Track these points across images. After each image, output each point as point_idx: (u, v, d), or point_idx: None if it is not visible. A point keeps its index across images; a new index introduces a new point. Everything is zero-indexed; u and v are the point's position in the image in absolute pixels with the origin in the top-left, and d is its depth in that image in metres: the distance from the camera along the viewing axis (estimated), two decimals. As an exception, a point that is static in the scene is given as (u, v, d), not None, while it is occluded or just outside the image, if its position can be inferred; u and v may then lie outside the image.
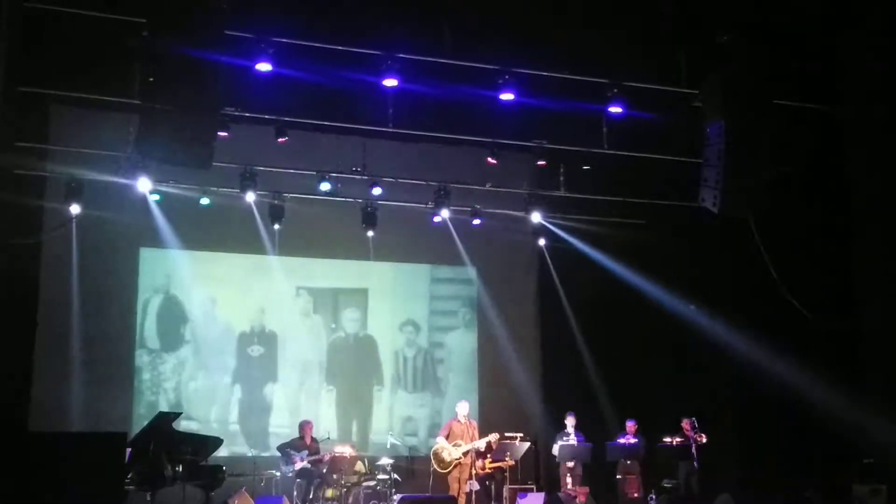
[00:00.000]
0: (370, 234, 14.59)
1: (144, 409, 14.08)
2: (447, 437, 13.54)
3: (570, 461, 14.03)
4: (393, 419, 15.48)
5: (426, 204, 14.44)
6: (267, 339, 15.20)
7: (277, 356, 15.20)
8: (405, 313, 16.04)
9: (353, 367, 15.61)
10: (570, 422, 14.31)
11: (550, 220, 15.24)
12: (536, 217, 14.79)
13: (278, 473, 13.24)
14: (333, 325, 15.60)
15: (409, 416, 15.69)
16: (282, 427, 14.65)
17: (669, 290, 15.25)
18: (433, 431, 14.94)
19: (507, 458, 13.71)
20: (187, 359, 14.70)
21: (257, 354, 15.10)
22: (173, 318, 14.72)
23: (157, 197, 13.56)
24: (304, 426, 13.62)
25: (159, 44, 9.07)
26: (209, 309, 14.96)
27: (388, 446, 14.23)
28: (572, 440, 14.13)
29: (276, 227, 14.23)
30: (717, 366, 15.18)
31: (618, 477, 14.27)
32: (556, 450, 14.19)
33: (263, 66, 10.57)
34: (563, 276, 15.99)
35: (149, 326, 14.59)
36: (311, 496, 13.01)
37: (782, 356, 13.73)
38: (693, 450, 13.74)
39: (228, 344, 15.01)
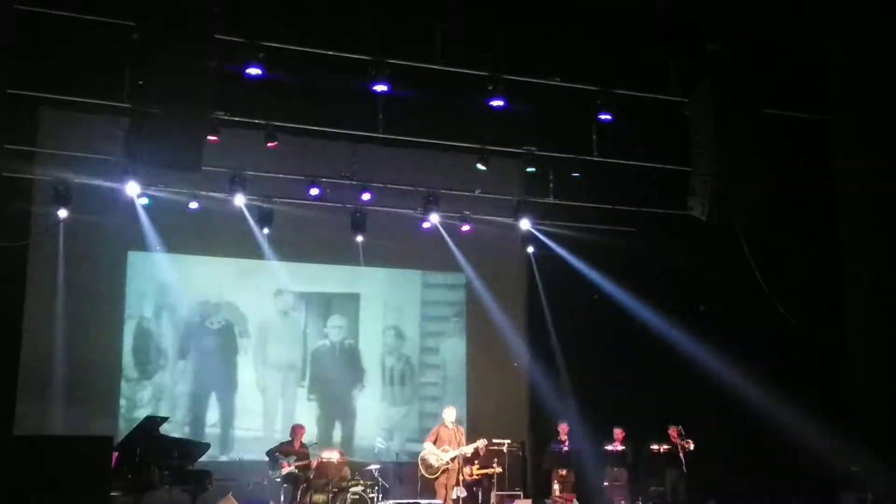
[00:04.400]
0: (359, 239, 14.57)
1: (131, 411, 14.02)
2: (435, 443, 13.53)
3: (563, 469, 14.04)
4: (379, 424, 15.45)
5: (415, 210, 14.44)
6: (255, 344, 15.17)
7: (265, 361, 15.18)
8: (395, 319, 16.03)
9: (341, 371, 15.58)
10: (563, 429, 14.32)
11: (540, 226, 15.24)
12: (526, 224, 14.76)
13: (266, 479, 13.20)
14: (324, 330, 15.58)
15: (396, 420, 15.66)
16: (273, 432, 14.65)
17: (657, 297, 15.29)
18: (420, 437, 14.91)
19: (494, 465, 13.73)
20: (174, 363, 14.66)
21: (245, 359, 15.09)
22: (160, 322, 14.67)
23: (145, 201, 13.53)
24: (295, 430, 13.57)
25: (149, 47, 9.06)
26: (197, 313, 14.91)
27: (376, 451, 14.21)
28: (567, 448, 14.14)
29: (265, 231, 14.21)
30: (704, 373, 15.21)
31: (605, 484, 14.28)
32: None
33: (253, 71, 10.57)
34: (552, 282, 16.00)
35: (136, 330, 14.53)
36: (297, 501, 12.97)
37: (769, 364, 13.77)
38: (680, 457, 13.77)
39: (217, 347, 14.97)
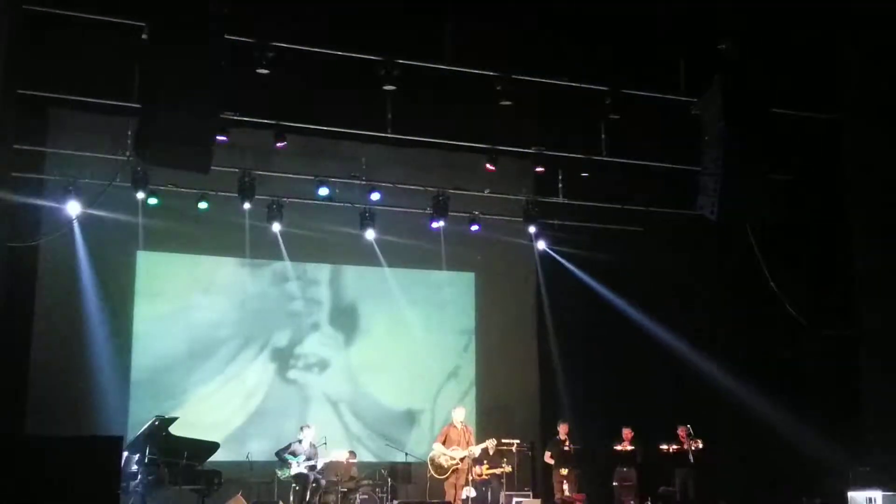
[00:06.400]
0: (368, 238, 14.58)
1: (140, 411, 14.03)
2: (444, 443, 13.53)
3: (565, 468, 14.01)
4: (389, 424, 15.44)
5: (425, 209, 14.43)
6: (264, 343, 15.19)
7: (276, 361, 15.20)
8: (404, 318, 16.02)
9: (351, 371, 15.58)
10: (562, 429, 14.28)
11: (548, 226, 15.23)
12: (534, 224, 14.77)
13: (275, 479, 13.21)
14: (332, 329, 15.58)
15: (405, 420, 15.66)
16: (282, 431, 14.65)
17: (667, 296, 15.27)
18: (431, 437, 14.90)
19: (503, 465, 13.72)
20: (183, 362, 14.68)
21: (255, 359, 15.10)
22: (170, 320, 14.69)
23: (154, 200, 13.55)
24: (304, 431, 13.58)
25: (159, 47, 9.07)
26: (206, 312, 14.93)
27: (385, 452, 14.21)
28: (567, 447, 14.11)
29: (275, 231, 14.22)
30: (712, 372, 15.18)
31: (614, 484, 14.27)
32: (548, 457, 14.20)
33: (263, 71, 10.57)
34: (561, 282, 15.98)
35: (145, 329, 14.56)
36: (307, 501, 12.98)
37: (779, 363, 13.74)
38: (689, 457, 13.75)
39: (227, 348, 14.99)
